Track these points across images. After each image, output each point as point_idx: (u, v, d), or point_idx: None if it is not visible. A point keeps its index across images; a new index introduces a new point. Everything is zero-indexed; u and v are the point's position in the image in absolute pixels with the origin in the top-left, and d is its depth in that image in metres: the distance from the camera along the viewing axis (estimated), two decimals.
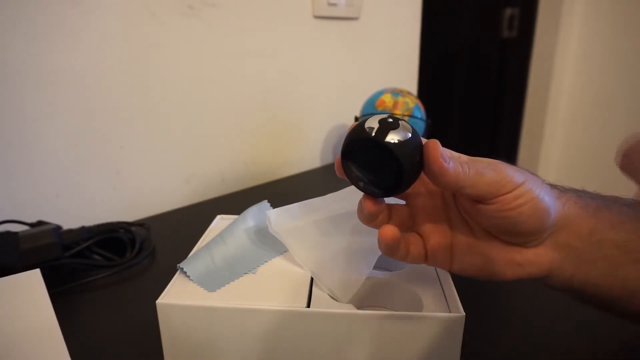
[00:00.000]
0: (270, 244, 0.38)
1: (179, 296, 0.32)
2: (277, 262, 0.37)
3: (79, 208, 0.63)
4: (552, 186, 0.30)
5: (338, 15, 0.88)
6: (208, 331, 0.31)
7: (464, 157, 0.28)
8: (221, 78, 0.75)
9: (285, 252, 0.38)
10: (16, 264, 0.46)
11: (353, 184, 0.28)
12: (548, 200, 0.28)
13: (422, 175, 0.28)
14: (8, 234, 0.48)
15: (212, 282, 0.34)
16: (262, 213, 0.43)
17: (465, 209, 0.30)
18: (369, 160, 0.27)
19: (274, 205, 0.43)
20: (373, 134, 0.26)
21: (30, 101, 0.56)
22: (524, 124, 1.78)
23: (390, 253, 0.29)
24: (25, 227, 0.53)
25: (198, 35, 0.70)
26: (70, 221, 0.57)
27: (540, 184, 0.28)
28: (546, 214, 0.28)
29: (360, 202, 0.29)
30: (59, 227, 0.51)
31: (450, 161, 0.26)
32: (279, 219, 0.38)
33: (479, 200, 0.27)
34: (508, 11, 1.69)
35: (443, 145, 0.28)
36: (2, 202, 0.56)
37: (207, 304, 0.31)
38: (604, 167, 1.64)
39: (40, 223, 0.54)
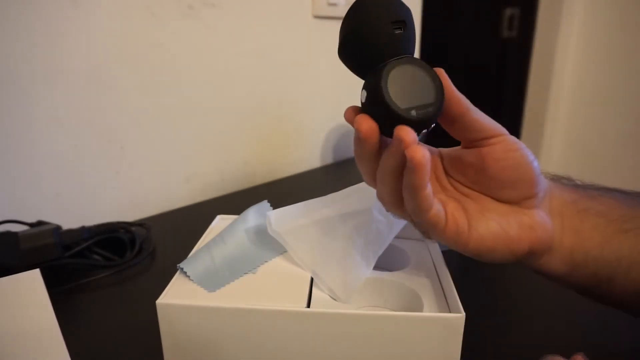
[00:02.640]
0: (270, 244, 0.38)
1: (179, 296, 0.32)
2: (277, 262, 0.37)
3: (79, 208, 0.63)
4: None
5: (338, 15, 0.88)
6: (208, 331, 0.31)
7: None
8: (221, 78, 0.75)
9: (285, 252, 0.38)
10: (16, 264, 0.46)
11: (395, 121, 0.26)
12: (530, 154, 0.30)
13: None
14: (8, 234, 0.48)
15: (212, 282, 0.34)
16: (262, 213, 0.43)
17: (467, 167, 0.31)
18: (406, 89, 0.27)
19: (274, 205, 0.43)
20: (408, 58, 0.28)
21: (30, 101, 0.56)
22: (524, 124, 1.78)
23: (421, 181, 0.26)
24: (25, 227, 0.53)
25: (198, 35, 0.70)
26: (70, 221, 0.57)
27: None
28: (533, 166, 0.30)
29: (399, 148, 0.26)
30: (59, 227, 0.51)
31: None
32: (279, 219, 0.38)
33: (485, 135, 0.30)
34: (508, 11, 1.70)
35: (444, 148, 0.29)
36: (2, 202, 0.56)
37: (207, 304, 0.31)
38: (605, 167, 1.64)
39: (40, 223, 0.54)
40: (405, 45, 0.28)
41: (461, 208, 0.30)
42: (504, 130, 0.30)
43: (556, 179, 0.34)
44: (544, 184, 0.31)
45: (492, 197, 0.31)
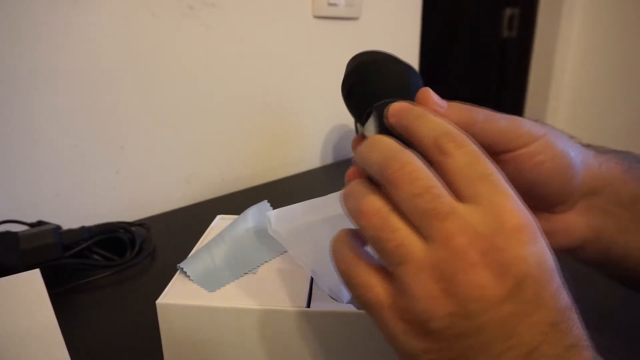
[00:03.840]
0: (270, 244, 0.38)
1: (179, 296, 0.32)
2: (277, 262, 0.37)
3: (79, 208, 0.63)
4: (587, 146, 0.27)
5: (338, 15, 0.88)
6: (208, 331, 0.31)
7: (479, 108, 0.25)
8: (221, 78, 0.75)
9: (285, 252, 0.38)
10: (16, 264, 0.46)
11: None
12: (574, 156, 0.25)
13: None
14: (8, 234, 0.48)
15: (212, 282, 0.34)
16: (262, 213, 0.43)
17: None
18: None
19: (274, 205, 0.43)
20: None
21: (30, 101, 0.56)
22: None
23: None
24: (25, 227, 0.53)
25: (198, 35, 0.70)
26: (70, 221, 0.57)
27: (566, 139, 0.26)
28: (571, 171, 0.25)
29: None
30: (59, 227, 0.51)
31: (444, 102, 0.24)
32: (279, 219, 0.38)
33: (493, 151, 0.24)
34: (508, 11, 1.69)
35: None
36: (2, 202, 0.56)
37: (207, 304, 0.31)
38: None
39: (40, 223, 0.54)
40: (355, 109, 0.32)
41: None
42: (537, 132, 0.25)
43: (623, 164, 0.28)
44: (580, 181, 0.26)
45: None
